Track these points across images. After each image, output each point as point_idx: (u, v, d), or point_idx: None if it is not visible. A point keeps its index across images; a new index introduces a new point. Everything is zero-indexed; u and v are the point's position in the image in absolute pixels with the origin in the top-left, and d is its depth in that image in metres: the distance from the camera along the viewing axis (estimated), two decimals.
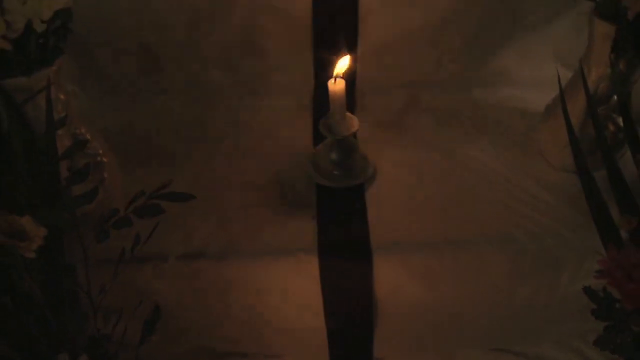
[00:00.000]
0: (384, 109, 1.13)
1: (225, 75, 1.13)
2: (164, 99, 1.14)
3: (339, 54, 0.95)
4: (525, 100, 1.14)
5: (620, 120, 0.97)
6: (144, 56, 1.12)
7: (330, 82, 0.91)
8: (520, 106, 1.14)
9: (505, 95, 1.16)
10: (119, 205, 0.75)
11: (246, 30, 1.09)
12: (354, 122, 0.95)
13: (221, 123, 1.11)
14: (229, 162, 1.04)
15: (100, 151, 0.92)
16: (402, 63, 1.14)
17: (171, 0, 1.07)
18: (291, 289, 0.93)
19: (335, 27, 1.08)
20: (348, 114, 0.95)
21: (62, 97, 0.85)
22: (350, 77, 1.08)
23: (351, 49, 1.09)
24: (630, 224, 0.69)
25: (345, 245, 0.92)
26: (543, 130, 1.06)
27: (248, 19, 1.08)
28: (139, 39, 1.10)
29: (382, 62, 1.12)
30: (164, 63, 1.13)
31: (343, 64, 0.90)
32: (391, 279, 0.93)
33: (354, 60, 1.08)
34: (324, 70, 1.05)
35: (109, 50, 1.12)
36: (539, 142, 1.06)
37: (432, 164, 1.04)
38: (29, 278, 0.59)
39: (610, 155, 0.82)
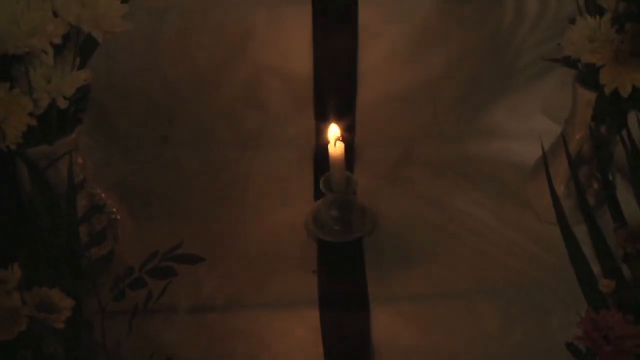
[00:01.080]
0: (382, 161, 1.18)
1: (230, 129, 1.19)
2: (171, 151, 1.20)
3: (338, 112, 1.01)
4: (516, 153, 1.19)
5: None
6: (153, 111, 1.18)
7: (331, 146, 0.97)
8: (511, 159, 1.19)
9: (497, 147, 1.21)
10: (131, 259, 0.81)
11: (250, 88, 1.15)
12: (353, 181, 1.01)
13: (226, 176, 1.17)
14: (233, 216, 1.09)
15: (114, 209, 0.98)
16: (399, 118, 1.20)
17: (179, 61, 1.13)
18: (293, 338, 0.98)
19: (335, 84, 1.15)
20: (347, 172, 1.01)
21: (80, 160, 0.92)
22: (349, 131, 1.15)
23: (351, 105, 1.16)
24: (609, 287, 0.75)
25: (344, 297, 0.98)
26: (532, 184, 1.12)
27: (252, 77, 1.14)
28: (149, 95, 1.16)
29: (380, 116, 1.18)
30: (172, 117, 1.19)
31: (334, 132, 0.96)
32: (388, 328, 0.99)
33: (352, 117, 1.15)
34: (324, 125, 1.11)
35: (119, 105, 1.17)
36: (528, 195, 1.12)
37: (427, 216, 1.09)
38: (54, 342, 0.64)
39: (591, 216, 0.88)
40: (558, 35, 1.06)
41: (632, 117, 0.90)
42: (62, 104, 0.78)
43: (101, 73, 1.02)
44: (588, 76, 0.94)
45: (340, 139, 0.97)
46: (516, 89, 1.22)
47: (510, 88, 1.21)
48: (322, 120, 1.14)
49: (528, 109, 1.23)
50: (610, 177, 1.04)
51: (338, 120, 1.04)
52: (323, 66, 1.11)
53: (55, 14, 0.73)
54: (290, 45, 1.10)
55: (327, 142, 0.98)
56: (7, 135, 0.75)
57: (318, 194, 1.08)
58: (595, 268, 0.83)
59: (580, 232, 0.86)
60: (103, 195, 0.97)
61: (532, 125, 1.22)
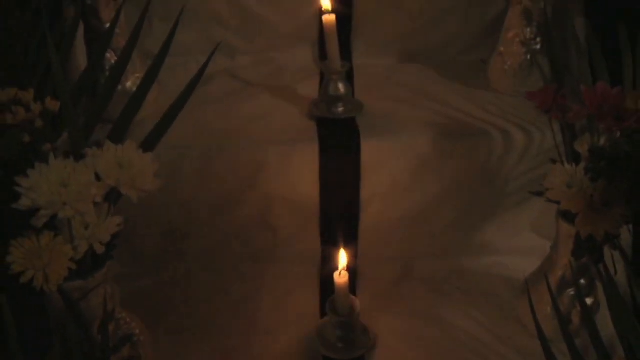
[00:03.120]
0: (382, 279, 1.27)
1: (241, 247, 1.29)
2: (186, 267, 1.30)
3: (342, 234, 1.11)
4: (508, 268, 1.28)
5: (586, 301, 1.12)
6: (170, 230, 1.28)
7: (336, 274, 1.07)
8: (503, 273, 1.28)
9: (490, 263, 1.30)
10: None
11: (261, 212, 1.25)
12: (356, 304, 1.10)
13: (238, 292, 1.26)
14: (244, 332, 1.17)
15: (138, 330, 1.07)
16: (399, 238, 1.30)
17: (197, 189, 1.23)
18: None
19: (339, 210, 1.25)
20: (352, 297, 1.10)
21: (108, 289, 1.01)
22: (352, 249, 1.25)
23: (353, 228, 1.26)
24: None
25: None
26: (523, 302, 1.21)
27: (263, 203, 1.24)
28: (167, 217, 1.26)
29: (381, 238, 1.28)
30: (188, 236, 1.29)
31: (343, 260, 1.07)
32: None
33: (355, 239, 1.25)
34: (330, 246, 1.22)
35: (139, 224, 1.27)
36: (519, 312, 1.21)
37: (423, 333, 1.18)
38: None
39: (569, 338, 0.96)
40: (543, 164, 1.18)
41: None
42: (99, 249, 0.88)
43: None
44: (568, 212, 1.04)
45: (346, 268, 1.07)
46: (507, 210, 1.31)
47: (501, 209, 1.31)
48: (327, 241, 1.24)
49: (518, 227, 1.33)
50: (593, 300, 1.14)
51: (342, 242, 1.14)
52: (328, 194, 1.22)
53: (97, 176, 0.84)
54: (298, 177, 1.21)
55: (334, 269, 1.07)
56: (50, 279, 0.84)
57: (324, 310, 1.17)
58: None
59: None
60: (128, 319, 1.06)
61: (522, 241, 1.32)
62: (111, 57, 1.25)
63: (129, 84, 1.25)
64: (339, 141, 1.21)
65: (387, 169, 1.22)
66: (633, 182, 0.90)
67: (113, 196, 0.87)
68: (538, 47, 1.29)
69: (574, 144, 1.04)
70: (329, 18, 1.19)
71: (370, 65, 1.45)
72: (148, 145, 1.01)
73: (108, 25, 1.20)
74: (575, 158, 1.04)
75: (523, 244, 1.31)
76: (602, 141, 1.00)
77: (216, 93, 1.34)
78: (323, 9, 1.22)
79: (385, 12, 1.44)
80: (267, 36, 1.46)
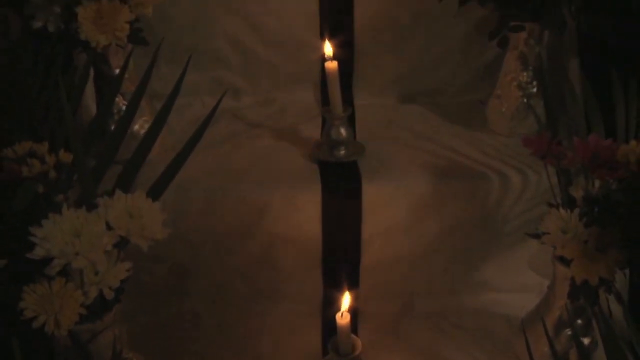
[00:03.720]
0: (383, 315, 1.30)
1: (245, 286, 1.32)
2: (190, 305, 1.32)
3: (344, 273, 1.14)
4: (507, 305, 1.30)
5: (583, 341, 1.15)
6: (175, 268, 1.31)
7: (338, 316, 1.09)
8: (502, 311, 1.30)
9: (489, 300, 1.33)
10: None
11: (264, 251, 1.28)
12: (357, 345, 1.13)
13: (241, 330, 1.28)
14: None
15: None
16: (399, 276, 1.32)
17: (202, 229, 1.26)
18: None
19: (341, 249, 1.28)
20: (354, 337, 1.13)
21: (116, 331, 1.04)
22: (354, 289, 1.28)
23: (355, 266, 1.29)
24: None
25: None
26: (520, 341, 1.23)
27: (266, 243, 1.27)
28: (172, 255, 1.29)
29: (382, 275, 1.31)
30: (192, 274, 1.32)
31: (346, 302, 1.09)
32: None
33: (357, 278, 1.28)
34: (332, 285, 1.25)
35: (144, 263, 1.29)
36: (517, 350, 1.23)
37: None
38: None
39: None
40: (540, 204, 1.21)
41: None
42: (109, 295, 0.90)
43: None
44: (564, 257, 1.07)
45: (348, 309, 1.09)
46: (505, 248, 1.34)
47: (499, 247, 1.34)
48: (329, 281, 1.27)
49: (516, 265, 1.35)
50: (590, 339, 1.16)
51: (344, 282, 1.17)
52: (331, 234, 1.25)
53: (108, 225, 0.87)
54: (301, 219, 1.24)
55: (336, 309, 1.10)
56: (61, 324, 0.87)
57: (326, 349, 1.20)
58: None
59: None
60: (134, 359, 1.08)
61: (520, 279, 1.34)
62: (119, 101, 1.28)
63: (136, 127, 1.28)
64: (341, 184, 1.24)
65: (388, 211, 1.25)
66: (626, 229, 0.93)
67: (123, 243, 0.90)
68: (534, 90, 1.33)
69: (569, 189, 1.07)
70: (331, 65, 1.23)
71: (371, 105, 1.49)
72: (156, 189, 1.04)
73: (117, 71, 1.24)
74: (570, 203, 1.07)
75: (521, 281, 1.34)
76: (597, 186, 1.03)
77: (221, 134, 1.37)
78: (325, 56, 1.25)
79: (385, 55, 1.49)
80: (271, 77, 1.50)
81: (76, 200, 0.96)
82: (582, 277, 0.95)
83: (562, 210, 1.03)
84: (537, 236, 1.13)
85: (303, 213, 1.24)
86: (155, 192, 1.04)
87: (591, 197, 0.94)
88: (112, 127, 1.26)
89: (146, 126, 1.29)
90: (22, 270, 0.85)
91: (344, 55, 1.42)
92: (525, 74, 1.32)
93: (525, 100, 1.33)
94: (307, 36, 1.46)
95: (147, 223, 0.88)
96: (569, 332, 1.16)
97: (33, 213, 0.85)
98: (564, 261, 1.08)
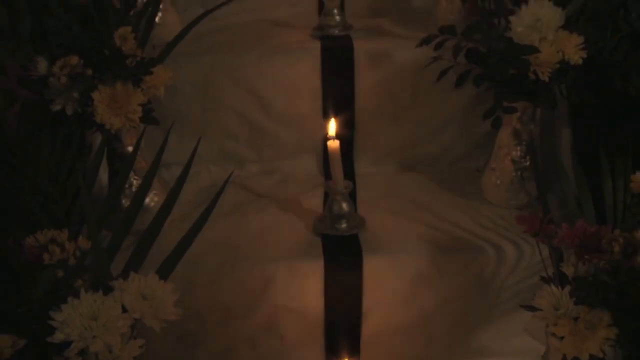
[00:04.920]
0: None
1: (249, 352, 1.35)
2: None
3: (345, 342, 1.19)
4: None
5: None
6: (184, 337, 1.35)
7: None
8: None
9: None
10: None
11: (268, 321, 1.32)
12: None
13: None
14: None
15: None
16: (399, 344, 1.36)
17: (208, 301, 1.31)
18: None
19: (342, 319, 1.32)
20: None
21: None
22: (355, 354, 1.32)
23: (356, 336, 1.33)
24: None
25: None
26: None
27: (271, 313, 1.31)
28: (181, 323, 1.33)
29: (383, 343, 1.34)
30: (199, 341, 1.36)
31: None
32: None
33: (357, 348, 1.33)
34: (334, 353, 1.30)
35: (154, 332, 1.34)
36: None
37: None
38: None
39: None
40: (535, 274, 1.26)
41: None
42: None
43: None
44: None
45: None
46: (501, 315, 1.38)
47: (495, 314, 1.38)
48: (331, 350, 1.32)
49: (512, 331, 1.39)
50: None
51: (345, 351, 1.21)
52: (332, 305, 1.30)
53: (123, 308, 0.92)
54: (304, 290, 1.29)
55: None
56: None
57: None
58: None
59: None
60: None
61: (517, 344, 1.38)
62: (130, 175, 1.33)
63: (146, 200, 1.33)
64: (342, 257, 1.30)
65: (387, 282, 1.30)
66: (614, 309, 0.98)
67: (137, 324, 0.94)
68: (527, 164, 1.39)
69: (561, 265, 1.12)
70: (333, 144, 1.29)
71: (371, 174, 1.55)
72: (167, 266, 1.10)
73: (129, 148, 1.30)
74: (562, 278, 1.11)
75: (518, 346, 1.37)
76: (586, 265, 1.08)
77: (226, 205, 1.42)
78: (328, 135, 1.32)
79: (385, 126, 1.55)
80: (275, 147, 1.57)
81: (91, 276, 1.01)
82: (572, 354, 1.00)
83: (554, 287, 1.08)
84: (531, 308, 1.18)
85: (306, 285, 1.29)
86: (165, 269, 1.09)
87: (580, 278, 0.99)
88: (124, 200, 1.32)
89: (155, 199, 1.36)
90: (41, 352, 0.90)
91: (345, 125, 1.50)
92: (518, 148, 1.38)
93: (519, 173, 1.39)
94: (310, 109, 1.53)
95: (160, 305, 0.93)
96: None
97: (52, 297, 0.90)
98: (557, 335, 1.13)
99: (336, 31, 1.57)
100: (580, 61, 1.23)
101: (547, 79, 1.20)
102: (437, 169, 1.57)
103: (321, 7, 1.62)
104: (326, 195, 1.40)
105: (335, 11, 1.57)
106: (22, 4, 1.20)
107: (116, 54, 1.13)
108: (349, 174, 1.47)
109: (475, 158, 1.56)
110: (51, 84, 1.17)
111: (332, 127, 1.33)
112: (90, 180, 1.15)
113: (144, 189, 1.16)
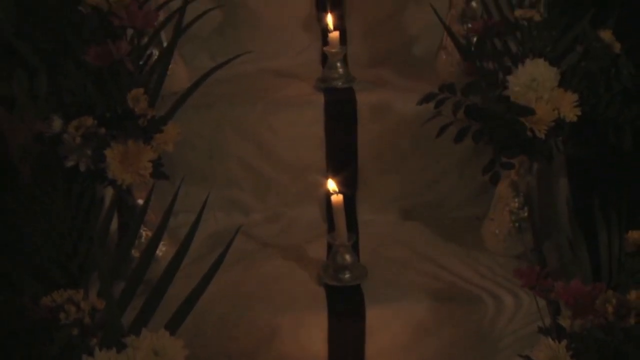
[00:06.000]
0: None
1: None
2: None
3: None
4: None
5: None
6: None
7: None
8: None
9: None
10: None
11: None
12: None
13: None
14: None
15: None
16: None
17: (216, 344, 1.34)
18: None
19: None
20: None
21: None
22: None
23: None
24: None
25: None
26: None
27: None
28: None
29: None
30: None
31: None
32: None
33: None
34: None
35: None
36: None
37: None
38: None
39: None
40: (533, 322, 1.29)
41: None
42: None
43: None
44: None
45: None
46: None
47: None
48: None
49: None
50: None
51: None
52: (336, 354, 1.33)
53: None
54: (309, 339, 1.33)
55: None
56: None
57: None
58: None
59: None
60: None
61: None
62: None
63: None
64: (346, 307, 1.33)
65: (389, 331, 1.34)
66: None
67: None
68: (525, 214, 1.43)
69: (558, 318, 1.15)
70: (337, 199, 1.34)
71: (373, 222, 1.59)
72: (176, 320, 1.13)
73: (139, 201, 1.34)
74: (559, 330, 1.15)
75: None
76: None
77: (232, 253, 1.43)
78: (331, 190, 1.36)
79: (386, 176, 1.60)
80: (279, 196, 1.61)
81: (103, 330, 1.04)
82: None
83: (551, 341, 1.11)
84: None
85: (311, 334, 1.32)
86: (175, 322, 1.13)
87: (576, 333, 1.03)
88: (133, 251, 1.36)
89: (163, 249, 1.40)
90: None
91: (348, 175, 1.55)
92: (516, 200, 1.43)
93: (516, 225, 1.43)
94: (314, 160, 1.57)
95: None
96: None
97: (68, 355, 0.94)
98: None
99: (339, 83, 1.61)
100: (575, 118, 1.27)
101: (543, 137, 1.25)
102: (437, 217, 1.61)
103: (324, 55, 1.67)
104: (330, 246, 1.44)
105: (339, 64, 1.62)
106: (39, 64, 1.25)
107: (129, 114, 1.18)
108: (352, 220, 1.51)
109: (474, 206, 1.59)
110: (65, 141, 1.21)
111: (336, 181, 1.37)
112: (103, 237, 1.19)
113: (154, 243, 1.20)
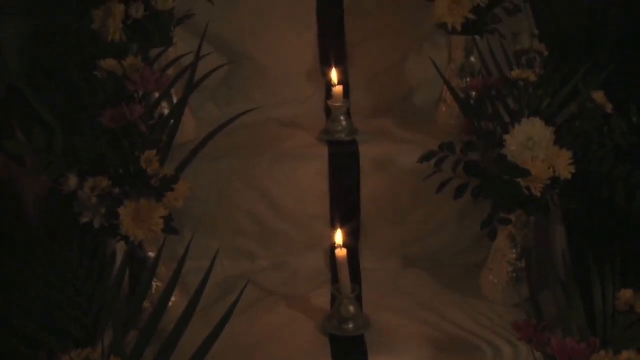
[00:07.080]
0: None
1: None
2: None
3: None
4: None
5: None
6: None
7: None
8: None
9: None
10: None
11: None
12: None
13: None
14: None
15: None
16: None
17: None
18: None
19: None
20: None
21: None
22: None
23: None
24: None
25: None
26: None
27: None
28: None
29: None
30: None
31: None
32: None
33: None
34: None
35: None
36: None
37: None
38: None
39: None
40: None
41: None
42: None
43: None
44: None
45: None
46: None
47: None
48: None
49: None
50: None
51: None
52: None
53: None
54: None
55: None
56: None
57: None
58: None
59: None
60: None
61: None
62: None
63: None
64: (350, 357, 1.38)
65: None
66: None
67: None
68: (523, 265, 1.48)
69: None
70: (341, 253, 1.39)
71: (376, 269, 1.64)
72: None
73: (150, 254, 1.39)
74: None
75: None
76: None
77: (238, 305, 1.50)
78: (336, 245, 1.41)
79: (388, 226, 1.65)
80: (284, 245, 1.66)
81: None
82: None
83: None
84: None
85: None
86: None
87: None
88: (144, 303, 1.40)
89: (173, 299, 1.44)
90: None
91: (351, 225, 1.60)
92: (514, 251, 1.47)
93: (514, 275, 1.48)
94: (318, 210, 1.62)
95: None
96: None
97: None
98: None
99: (343, 136, 1.66)
100: (570, 176, 1.33)
101: (539, 194, 1.30)
102: (438, 264, 1.65)
103: (328, 106, 1.71)
104: (334, 297, 1.48)
105: (342, 117, 1.67)
106: (56, 124, 1.31)
107: (142, 175, 1.23)
108: (355, 269, 1.56)
109: (473, 253, 1.64)
110: (80, 198, 1.27)
111: (339, 236, 1.42)
112: (117, 291, 1.24)
113: (167, 295, 1.25)
